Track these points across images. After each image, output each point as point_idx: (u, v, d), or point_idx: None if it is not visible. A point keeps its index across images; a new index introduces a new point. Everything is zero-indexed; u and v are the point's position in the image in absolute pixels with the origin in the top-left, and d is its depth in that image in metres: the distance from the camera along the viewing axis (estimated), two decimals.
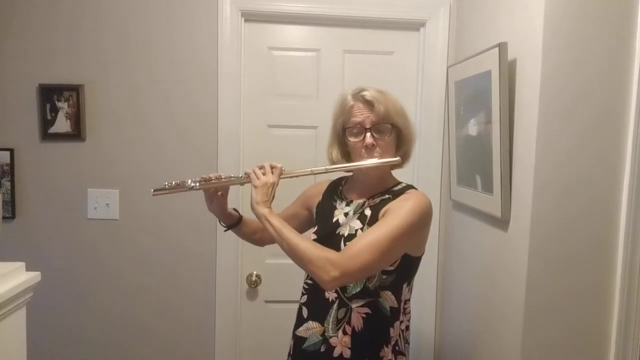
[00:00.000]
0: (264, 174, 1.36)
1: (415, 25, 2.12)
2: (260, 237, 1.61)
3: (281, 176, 1.38)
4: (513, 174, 1.52)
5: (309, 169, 1.39)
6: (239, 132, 2.07)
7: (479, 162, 1.70)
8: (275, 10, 2.03)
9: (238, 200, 1.96)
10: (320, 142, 2.05)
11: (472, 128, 1.75)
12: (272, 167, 1.37)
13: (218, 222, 1.58)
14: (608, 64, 1.37)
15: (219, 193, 1.47)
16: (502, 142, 1.52)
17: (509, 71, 1.50)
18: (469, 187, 1.82)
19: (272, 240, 1.54)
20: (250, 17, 2.05)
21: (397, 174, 1.50)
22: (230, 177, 1.45)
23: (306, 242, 1.29)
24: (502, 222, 1.57)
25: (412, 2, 2.07)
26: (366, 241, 1.25)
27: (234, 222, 1.56)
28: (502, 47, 1.49)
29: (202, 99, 2.04)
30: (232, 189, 1.54)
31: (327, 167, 1.42)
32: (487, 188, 1.64)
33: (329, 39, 2.12)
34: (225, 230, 1.57)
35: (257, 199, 1.33)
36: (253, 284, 2.16)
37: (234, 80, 2.03)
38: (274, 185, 1.35)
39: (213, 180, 1.42)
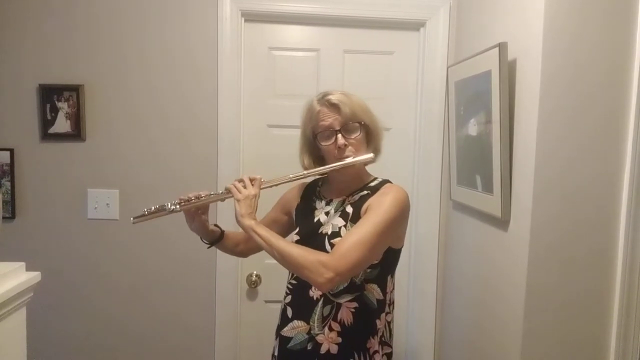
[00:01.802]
0: (244, 187, 1.38)
1: (415, 26, 2.12)
2: (242, 249, 1.63)
3: (261, 187, 1.39)
4: (513, 174, 1.52)
5: (287, 176, 1.41)
6: (239, 131, 2.07)
7: (479, 162, 1.70)
8: (276, 10, 2.04)
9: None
10: None
11: (472, 128, 1.75)
12: (251, 180, 1.39)
13: (200, 240, 1.55)
14: (608, 63, 1.38)
15: (200, 212, 1.48)
16: (502, 142, 1.52)
17: (509, 71, 1.50)
18: (469, 187, 1.82)
19: (255, 251, 1.58)
20: (251, 17, 2.06)
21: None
22: (210, 194, 1.44)
23: (296, 248, 1.31)
24: (502, 222, 1.57)
25: (412, 2, 2.07)
26: (353, 239, 1.28)
27: (216, 238, 1.56)
28: (502, 47, 1.49)
29: (202, 98, 2.04)
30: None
31: (305, 172, 1.44)
32: (487, 188, 1.64)
33: (329, 39, 2.12)
34: (209, 247, 1.57)
35: (241, 212, 1.34)
36: (253, 284, 2.16)
37: (234, 80, 2.03)
38: (255, 196, 1.37)
39: (193, 200, 1.42)
